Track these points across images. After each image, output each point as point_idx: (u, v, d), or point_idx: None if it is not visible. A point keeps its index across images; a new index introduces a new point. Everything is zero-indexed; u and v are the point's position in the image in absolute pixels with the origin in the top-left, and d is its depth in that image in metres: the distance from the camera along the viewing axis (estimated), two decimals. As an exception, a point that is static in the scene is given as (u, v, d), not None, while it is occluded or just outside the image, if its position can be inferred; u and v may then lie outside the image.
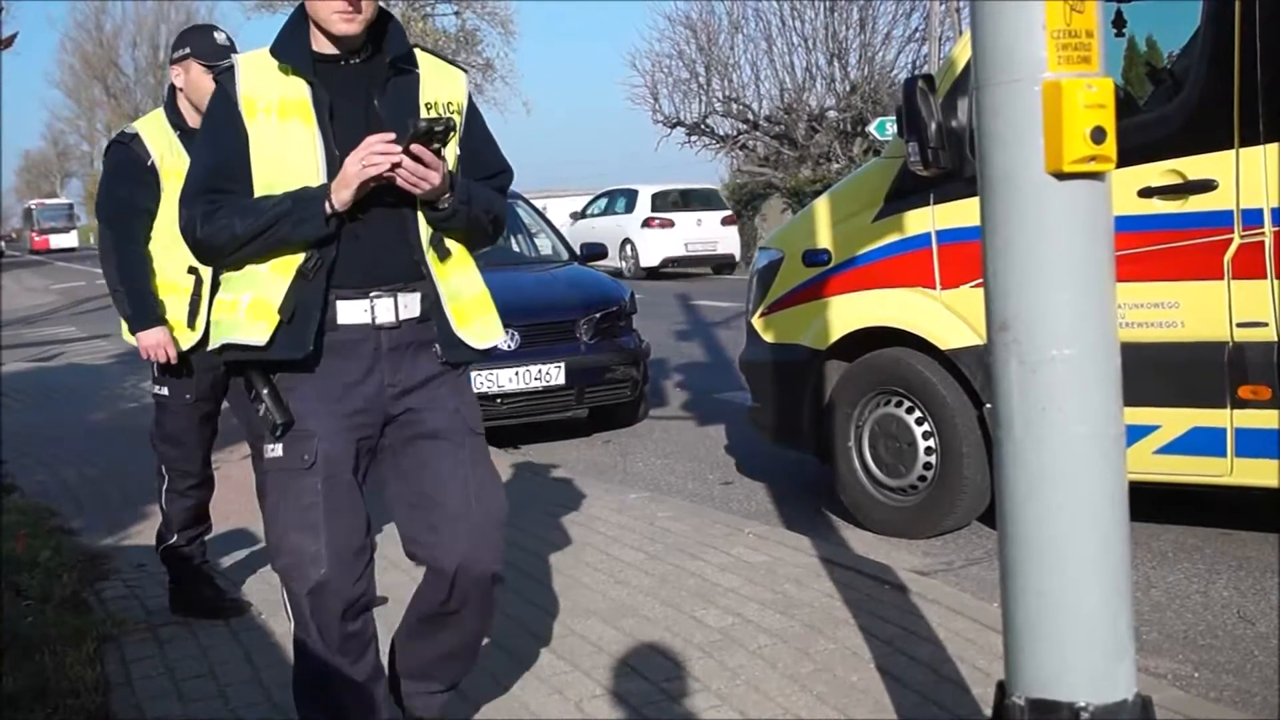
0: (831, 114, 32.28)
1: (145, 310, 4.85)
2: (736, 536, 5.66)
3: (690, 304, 18.88)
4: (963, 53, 5.45)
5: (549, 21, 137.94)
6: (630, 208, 27.37)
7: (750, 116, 33.64)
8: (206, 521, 5.33)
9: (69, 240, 69.14)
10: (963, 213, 5.42)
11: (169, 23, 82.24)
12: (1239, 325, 4.84)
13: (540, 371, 8.63)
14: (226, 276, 3.22)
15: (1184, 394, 4.98)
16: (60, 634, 4.74)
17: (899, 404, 5.95)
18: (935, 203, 5.65)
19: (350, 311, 3.09)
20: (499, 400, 8.60)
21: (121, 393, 13.43)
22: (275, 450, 3.11)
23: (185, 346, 4.86)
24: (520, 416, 8.89)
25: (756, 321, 6.71)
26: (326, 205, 2.98)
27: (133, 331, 4.91)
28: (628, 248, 26.71)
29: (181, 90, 4.90)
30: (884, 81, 31.15)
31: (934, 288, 5.69)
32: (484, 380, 8.50)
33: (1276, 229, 4.73)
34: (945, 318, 5.65)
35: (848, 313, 6.06)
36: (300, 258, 3.06)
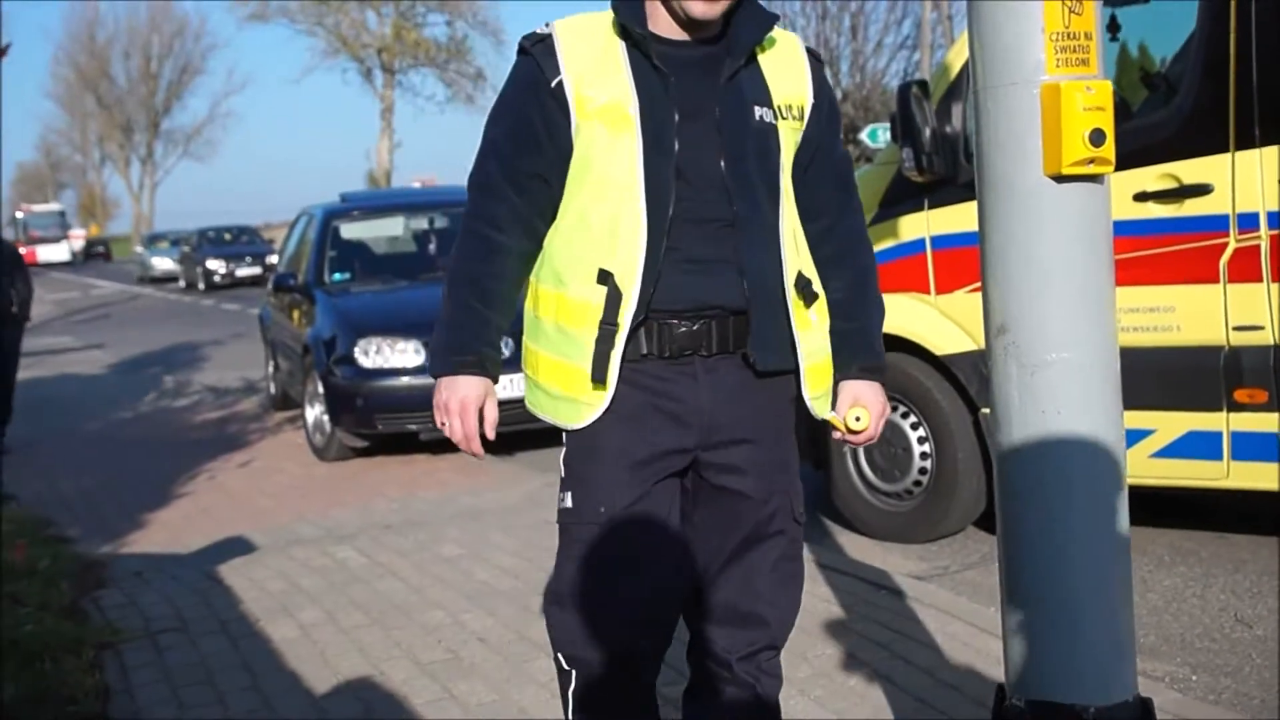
0: (824, 121, 32.26)
1: None
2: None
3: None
4: (957, 58, 5.47)
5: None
6: None
7: (743, 124, 33.61)
8: None
9: (59, 253, 62.58)
10: (957, 218, 5.43)
11: (160, 33, 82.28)
12: (1235, 329, 4.85)
13: (536, 379, 8.60)
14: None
15: (1180, 398, 4.99)
16: (59, 641, 4.74)
17: (894, 409, 5.95)
18: (930, 208, 5.66)
19: None
20: (495, 407, 8.58)
21: (116, 402, 13.43)
22: None
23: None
24: (515, 423, 8.83)
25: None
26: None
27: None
28: None
29: None
30: (875, 89, 31.19)
31: (929, 293, 5.70)
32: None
33: (1273, 232, 4.74)
34: (940, 323, 5.66)
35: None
36: None
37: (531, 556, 5.67)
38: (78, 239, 70.10)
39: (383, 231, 11.53)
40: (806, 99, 2.71)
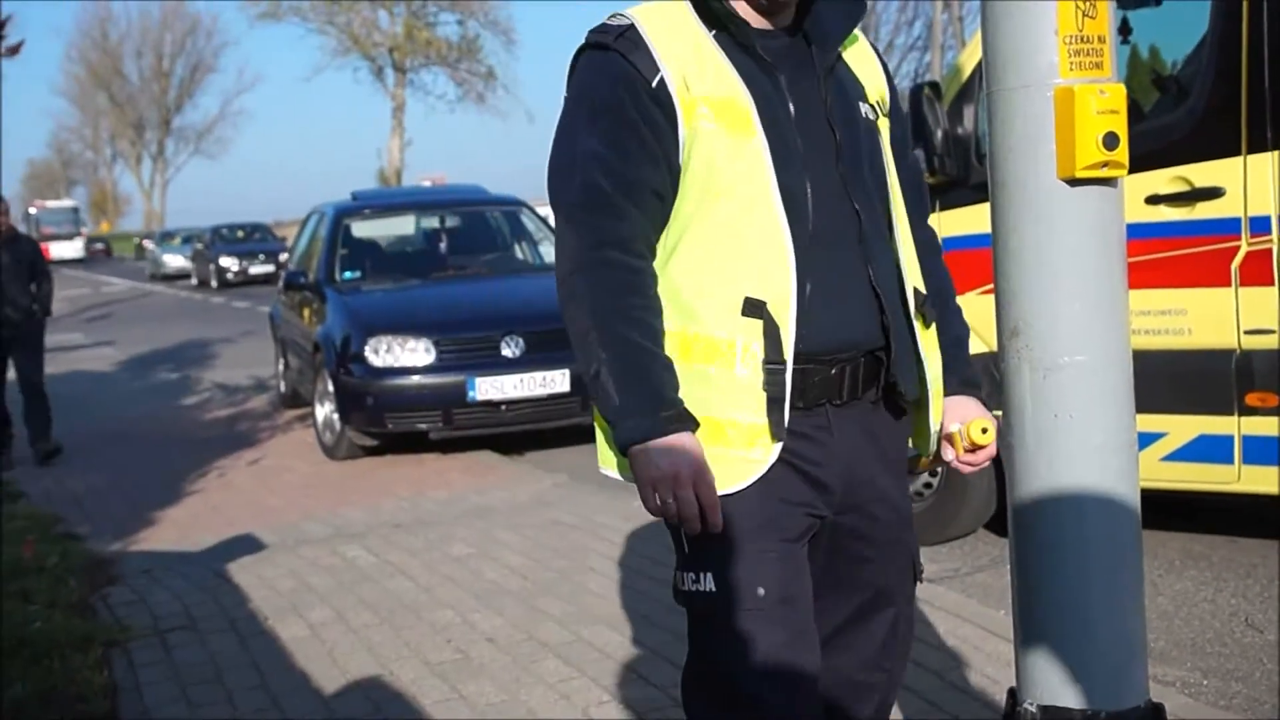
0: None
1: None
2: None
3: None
4: (969, 59, 5.46)
5: (550, 29, 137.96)
6: None
7: (754, 124, 33.67)
8: None
9: (72, 250, 62.46)
10: (969, 219, 5.41)
11: (173, 31, 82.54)
12: (1247, 332, 4.83)
13: (545, 378, 8.63)
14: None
15: (1191, 401, 4.97)
16: (68, 639, 4.75)
17: (905, 411, 5.94)
18: (941, 209, 5.64)
19: None
20: (503, 407, 8.60)
21: (126, 399, 13.46)
22: None
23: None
24: (525, 423, 8.89)
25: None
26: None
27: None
28: None
29: None
30: (887, 90, 31.17)
31: (940, 295, 5.69)
32: (488, 387, 8.51)
33: (1284, 236, 4.73)
34: (952, 325, 5.65)
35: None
36: None
37: (540, 556, 5.67)
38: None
39: (394, 230, 11.57)
40: (886, 94, 2.48)
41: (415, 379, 8.63)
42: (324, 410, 9.25)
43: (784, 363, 2.19)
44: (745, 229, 2.21)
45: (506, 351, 8.66)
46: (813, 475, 2.28)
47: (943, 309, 2.54)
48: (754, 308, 2.20)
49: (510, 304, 9.34)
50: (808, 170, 2.24)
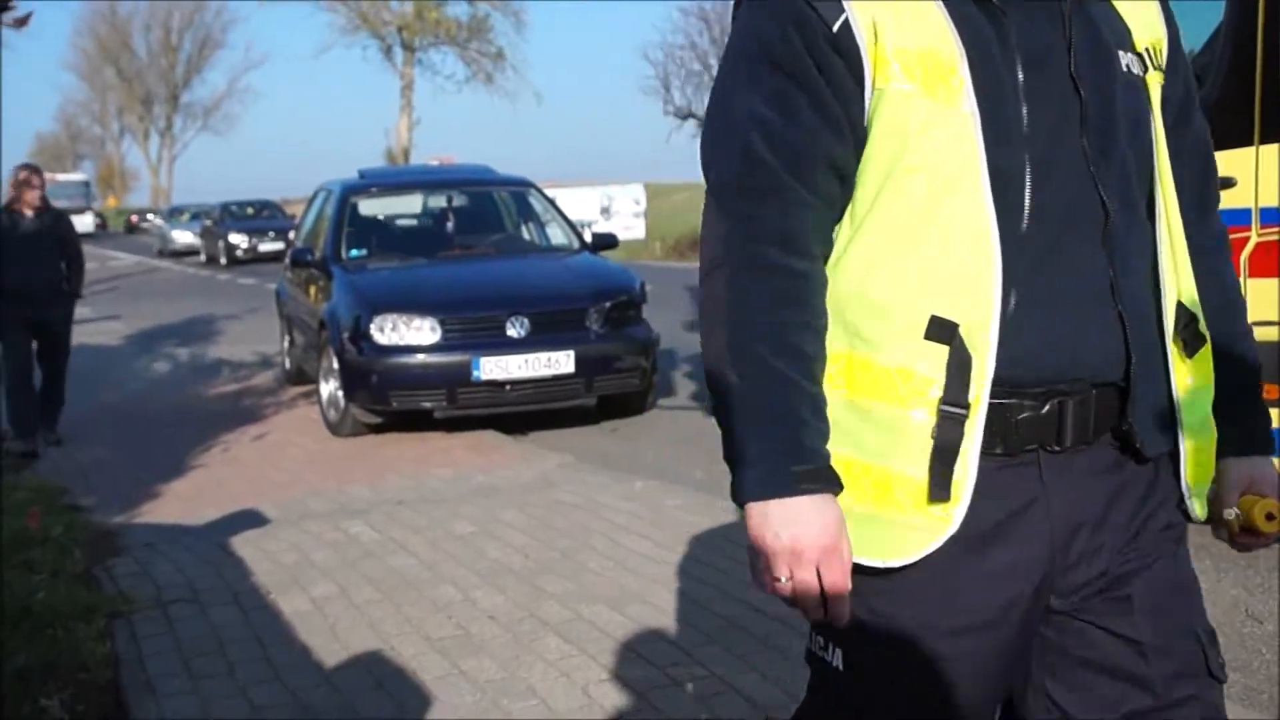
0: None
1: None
2: (744, 527, 5.65)
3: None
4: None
5: (560, 11, 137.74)
6: None
7: (763, 110, 33.64)
8: None
9: (82, 224, 62.53)
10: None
11: (181, 6, 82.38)
12: (1253, 324, 4.82)
13: (549, 359, 8.64)
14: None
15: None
16: (71, 609, 4.77)
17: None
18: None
19: None
20: (508, 387, 8.61)
21: (132, 374, 13.49)
22: None
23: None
24: (528, 404, 8.91)
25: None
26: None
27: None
28: None
29: None
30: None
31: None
32: (493, 367, 8.52)
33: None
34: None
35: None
36: None
37: (542, 535, 5.69)
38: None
39: (401, 209, 11.57)
40: (1163, 38, 1.88)
41: (420, 357, 8.64)
42: (329, 387, 9.26)
43: (968, 407, 1.67)
44: (939, 224, 1.68)
45: (512, 332, 8.67)
46: (1012, 541, 1.73)
47: (1225, 331, 1.93)
48: (942, 330, 1.68)
49: (516, 284, 9.35)
50: (1031, 145, 1.70)
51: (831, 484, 1.68)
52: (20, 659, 4.30)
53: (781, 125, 1.71)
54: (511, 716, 3.77)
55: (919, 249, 1.69)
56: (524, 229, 11.24)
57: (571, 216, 11.96)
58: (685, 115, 34.22)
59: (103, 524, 6.55)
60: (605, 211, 34.35)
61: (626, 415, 9.41)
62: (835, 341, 1.73)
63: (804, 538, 1.66)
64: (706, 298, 1.75)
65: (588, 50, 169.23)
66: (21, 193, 9.17)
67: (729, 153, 1.76)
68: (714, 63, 33.73)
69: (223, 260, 36.34)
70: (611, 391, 9.19)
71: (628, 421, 9.31)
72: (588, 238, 10.86)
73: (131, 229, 66.50)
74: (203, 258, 39.16)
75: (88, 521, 6.53)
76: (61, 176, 72.79)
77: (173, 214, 47.97)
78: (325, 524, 6.18)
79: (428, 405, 8.82)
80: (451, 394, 8.63)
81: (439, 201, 11.32)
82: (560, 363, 8.67)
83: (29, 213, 9.20)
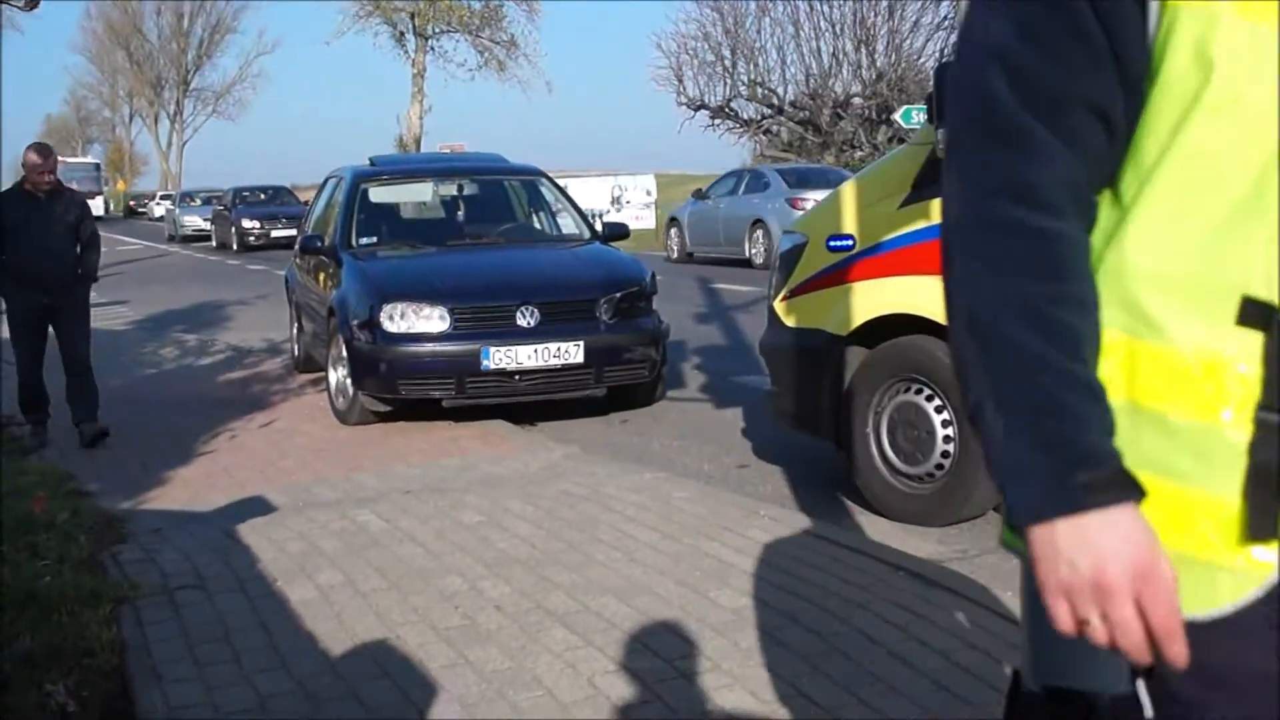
0: (857, 101, 32.26)
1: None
2: (752, 519, 5.66)
3: (710, 287, 18.86)
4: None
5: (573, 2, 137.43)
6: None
7: (775, 101, 33.64)
8: None
9: (93, 208, 64.03)
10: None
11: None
12: None
13: (559, 349, 8.63)
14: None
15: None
16: (77, 595, 4.77)
17: (918, 391, 5.94)
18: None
19: None
20: (517, 377, 8.61)
21: (140, 359, 13.50)
22: None
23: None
24: (537, 394, 8.90)
25: (778, 305, 6.70)
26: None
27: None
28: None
29: None
30: (911, 69, 31.12)
31: (958, 276, 5.65)
32: (502, 356, 8.51)
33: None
34: (968, 306, 5.61)
35: (870, 299, 6.04)
36: None
37: (550, 526, 5.68)
38: None
39: (411, 196, 11.56)
40: None
41: (429, 346, 8.63)
42: (337, 375, 9.26)
43: None
44: (1253, 178, 1.35)
45: (521, 321, 8.66)
46: None
47: None
48: (1257, 314, 1.34)
49: (526, 274, 9.33)
50: None
51: (1129, 490, 1.33)
52: (25, 643, 4.31)
53: (1027, 57, 1.41)
54: (517, 707, 3.77)
55: (1225, 211, 1.36)
56: (535, 218, 11.23)
57: (583, 206, 11.94)
58: (698, 106, 34.14)
59: (109, 510, 6.55)
60: (616, 202, 34.37)
61: (635, 407, 9.40)
62: (1111, 327, 1.41)
63: (1110, 565, 1.32)
64: (945, 267, 1.47)
65: (600, 39, 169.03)
66: (33, 173, 8.75)
67: (965, 94, 1.47)
68: (727, 54, 33.64)
69: (234, 246, 36.05)
70: (621, 382, 9.18)
71: (637, 413, 9.30)
72: (599, 228, 10.84)
73: (131, 213, 66.51)
74: (214, 243, 38.91)
75: (94, 507, 6.53)
76: (72, 159, 72.90)
77: (183, 198, 47.70)
78: (332, 512, 6.18)
79: (436, 394, 8.81)
80: (460, 383, 8.63)
81: (450, 190, 11.31)
82: (570, 353, 8.66)
83: (41, 194, 8.77)
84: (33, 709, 3.85)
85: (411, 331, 8.65)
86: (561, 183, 12.33)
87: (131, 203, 69.16)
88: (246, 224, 36.19)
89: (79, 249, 8.97)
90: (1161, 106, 1.40)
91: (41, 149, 8.93)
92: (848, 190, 6.42)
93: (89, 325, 9.16)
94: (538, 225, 11.13)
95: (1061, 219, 1.40)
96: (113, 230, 51.24)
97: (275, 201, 38.36)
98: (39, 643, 4.33)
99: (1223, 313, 1.35)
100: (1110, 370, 1.40)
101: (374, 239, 10.20)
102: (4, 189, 9.21)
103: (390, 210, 11.05)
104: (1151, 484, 1.36)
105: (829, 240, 6.33)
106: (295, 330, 11.73)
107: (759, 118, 33.75)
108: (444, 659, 4.15)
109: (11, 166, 53.53)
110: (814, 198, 22.89)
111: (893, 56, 31.22)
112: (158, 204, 68.34)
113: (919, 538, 5.73)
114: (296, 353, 11.74)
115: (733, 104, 34.00)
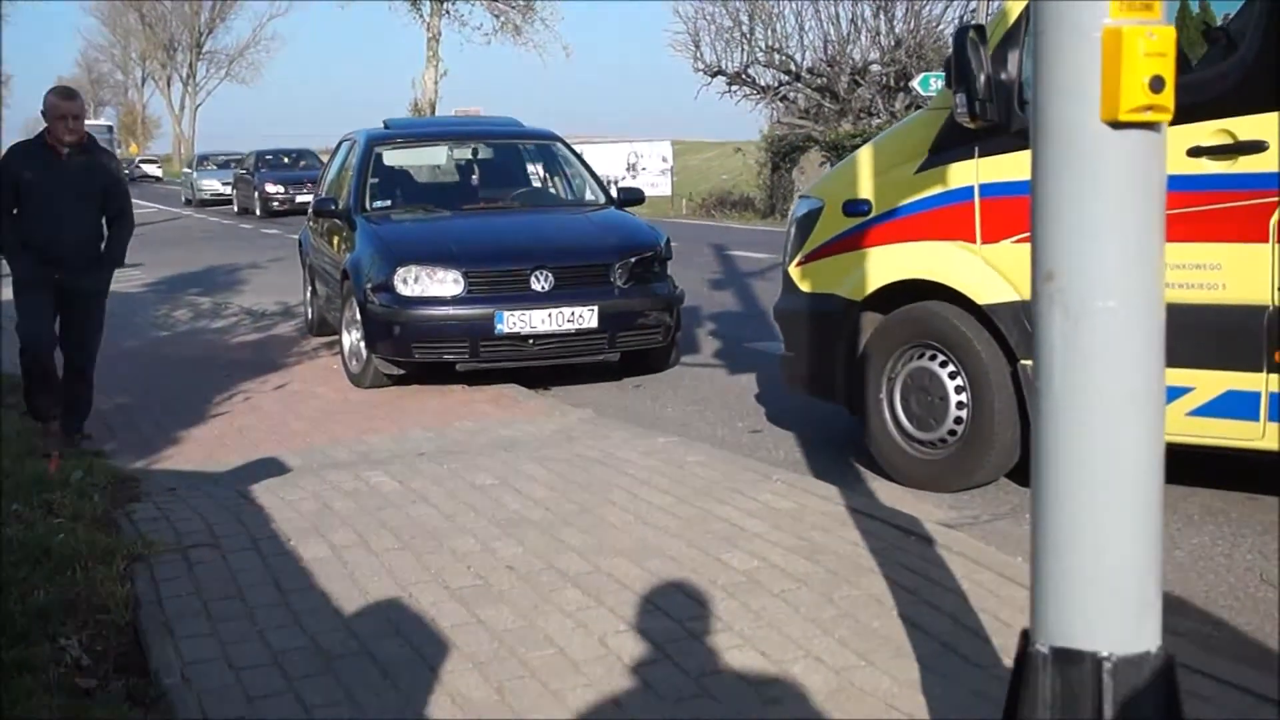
0: (875, 68, 32.03)
1: None
2: (764, 483, 5.67)
3: (725, 253, 18.83)
4: (1016, 3, 5.39)
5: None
6: None
7: (792, 68, 33.41)
8: None
9: None
10: (1008, 166, 5.37)
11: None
12: (1281, 290, 4.78)
13: (573, 314, 8.62)
14: None
15: (1220, 356, 4.94)
16: (91, 551, 4.80)
17: (932, 357, 5.93)
18: (980, 156, 5.60)
19: None
20: (530, 341, 8.61)
21: (154, 321, 13.53)
22: None
23: None
24: (551, 358, 8.91)
25: (793, 270, 6.68)
26: None
27: None
28: None
29: None
30: (929, 36, 30.89)
31: (974, 242, 5.65)
32: (516, 321, 8.51)
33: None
34: (984, 272, 5.61)
35: (886, 264, 6.03)
36: None
37: (563, 488, 5.69)
38: None
39: (426, 160, 11.53)
40: None
41: (443, 310, 8.63)
42: (351, 338, 9.27)
43: None
44: None
45: (535, 286, 8.65)
46: None
47: None
48: None
49: (541, 238, 9.32)
50: None
51: None
52: (40, 598, 4.34)
53: None
54: (528, 665, 3.78)
55: None
56: (550, 183, 11.20)
57: (598, 172, 11.91)
58: (714, 72, 33.93)
59: (123, 469, 6.58)
60: (632, 168, 34.25)
61: (649, 372, 9.40)
62: None
63: None
64: None
65: (617, 4, 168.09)
66: (55, 121, 7.13)
67: None
68: (745, 19, 33.35)
69: (257, 211, 34.83)
70: (634, 347, 9.18)
71: (650, 378, 9.30)
72: (614, 193, 10.81)
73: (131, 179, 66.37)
74: (235, 208, 37.76)
75: (108, 467, 6.56)
76: (86, 122, 72.64)
77: (200, 162, 46.21)
78: (345, 473, 6.20)
79: (450, 358, 8.82)
80: (474, 347, 8.63)
81: (464, 153, 11.28)
82: (584, 318, 8.65)
83: (64, 150, 7.18)
84: (47, 661, 3.88)
85: (425, 295, 8.65)
86: (577, 148, 12.29)
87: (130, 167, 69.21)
88: (270, 188, 34.79)
89: (104, 223, 7.45)
90: None
91: (66, 92, 7.49)
92: (864, 155, 6.39)
93: (102, 319, 7.60)
94: (552, 190, 11.10)
95: None
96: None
97: (300, 165, 36.34)
98: (53, 597, 4.36)
99: None
100: None
101: (388, 202, 10.20)
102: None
103: (404, 174, 11.04)
104: None
105: (845, 205, 6.30)
106: (309, 293, 11.74)
107: (776, 84, 33.52)
108: (456, 618, 4.17)
109: (23, 127, 53.08)
110: None
111: (911, 23, 30.96)
112: (138, 167, 68.00)
113: (930, 503, 5.73)
114: (310, 316, 11.75)
115: (750, 70, 33.76)
